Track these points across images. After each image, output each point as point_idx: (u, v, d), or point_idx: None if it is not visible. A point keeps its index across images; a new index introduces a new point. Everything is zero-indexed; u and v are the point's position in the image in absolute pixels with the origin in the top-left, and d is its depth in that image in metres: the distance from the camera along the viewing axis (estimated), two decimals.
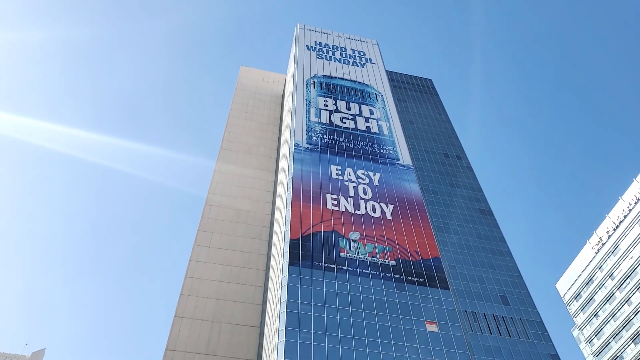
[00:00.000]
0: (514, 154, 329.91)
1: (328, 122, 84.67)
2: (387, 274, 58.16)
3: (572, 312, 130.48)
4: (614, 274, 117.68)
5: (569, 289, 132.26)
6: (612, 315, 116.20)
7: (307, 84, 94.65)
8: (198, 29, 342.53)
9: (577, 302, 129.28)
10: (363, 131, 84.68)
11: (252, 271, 78.28)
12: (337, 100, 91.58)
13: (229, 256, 79.87)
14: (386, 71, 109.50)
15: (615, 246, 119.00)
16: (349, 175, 73.14)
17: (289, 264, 56.17)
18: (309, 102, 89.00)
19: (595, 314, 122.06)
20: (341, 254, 59.13)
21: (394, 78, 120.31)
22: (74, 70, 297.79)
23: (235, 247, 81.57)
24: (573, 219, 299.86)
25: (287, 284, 53.96)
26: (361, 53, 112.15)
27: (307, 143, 77.96)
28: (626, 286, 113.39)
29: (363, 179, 72.93)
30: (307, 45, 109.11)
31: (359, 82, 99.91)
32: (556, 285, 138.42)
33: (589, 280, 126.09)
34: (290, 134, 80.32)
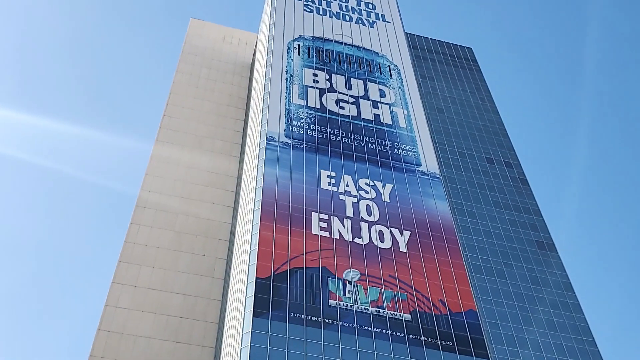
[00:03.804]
0: (591, 160, 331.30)
1: (318, 107, 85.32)
2: (398, 333, 58.58)
3: None
4: None
5: None
6: None
7: (288, 48, 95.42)
8: None
9: None
10: (369, 121, 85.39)
11: (199, 324, 78.44)
12: (333, 75, 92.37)
13: (165, 301, 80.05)
14: (406, 34, 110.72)
15: None
16: (347, 185, 73.83)
17: (253, 315, 56.58)
18: (291, 75, 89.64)
19: None
20: (332, 302, 59.50)
21: (417, 44, 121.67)
22: None
23: (174, 287, 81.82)
24: None
25: (249, 344, 54.15)
26: (370, 6, 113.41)
27: (286, 136, 78.50)
28: None
29: (367, 192, 73.58)
30: None
31: (365, 49, 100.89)
32: None
33: None
34: (262, 121, 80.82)
